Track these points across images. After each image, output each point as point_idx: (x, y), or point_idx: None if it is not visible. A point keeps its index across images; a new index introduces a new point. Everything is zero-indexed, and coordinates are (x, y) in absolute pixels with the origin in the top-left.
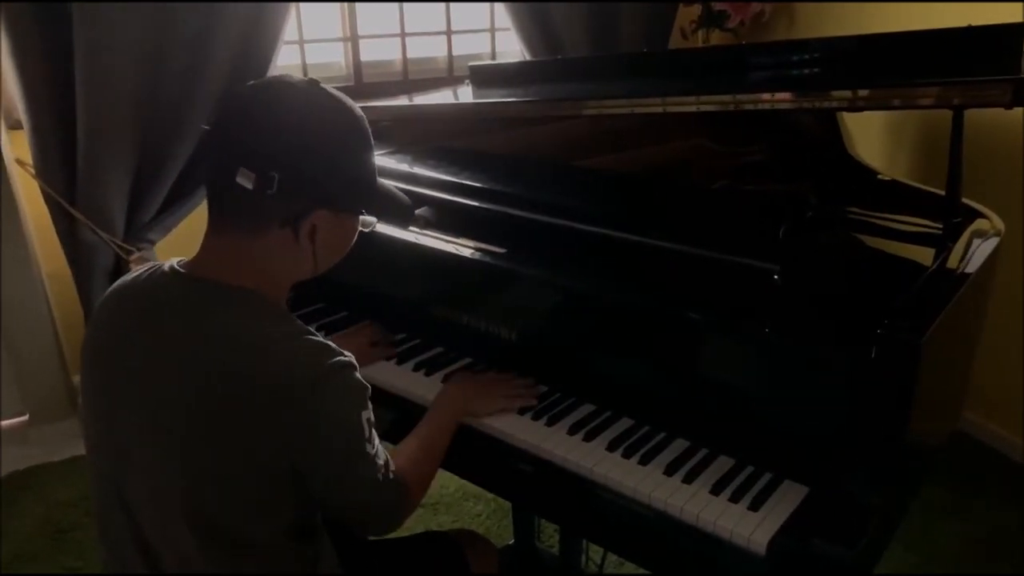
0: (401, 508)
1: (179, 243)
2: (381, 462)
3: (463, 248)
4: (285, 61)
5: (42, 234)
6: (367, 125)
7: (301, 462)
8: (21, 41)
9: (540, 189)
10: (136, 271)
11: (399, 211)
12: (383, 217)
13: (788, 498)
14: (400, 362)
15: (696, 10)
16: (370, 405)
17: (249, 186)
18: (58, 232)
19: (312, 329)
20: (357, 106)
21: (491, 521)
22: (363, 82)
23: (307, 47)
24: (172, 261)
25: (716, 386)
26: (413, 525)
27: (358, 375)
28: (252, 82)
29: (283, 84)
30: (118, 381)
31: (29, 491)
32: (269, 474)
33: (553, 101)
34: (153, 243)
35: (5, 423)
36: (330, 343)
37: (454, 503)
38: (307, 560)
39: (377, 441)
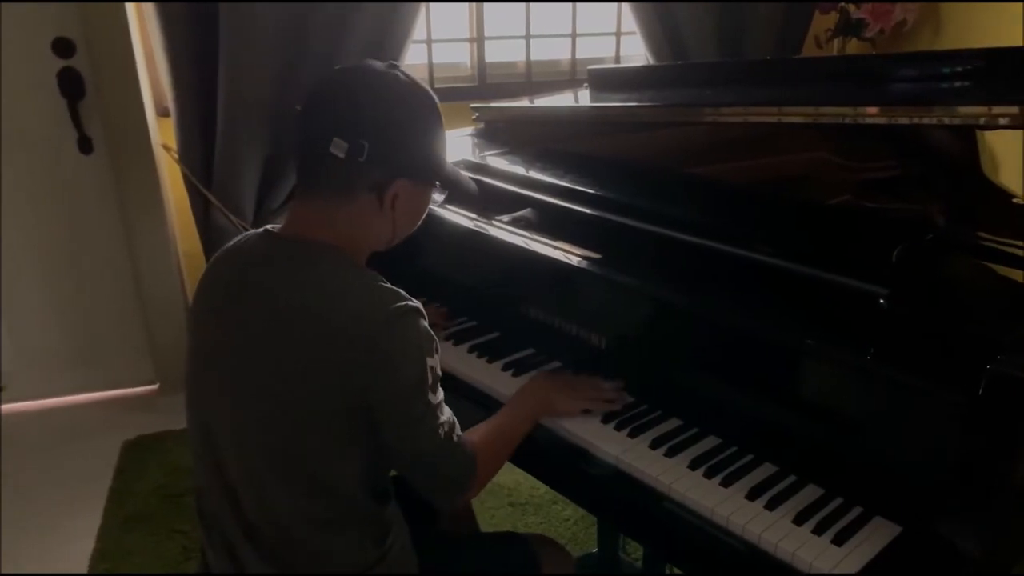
0: (465, 478)
1: None
2: (444, 419)
3: (559, 251)
4: (412, 60)
5: (180, 215)
6: (438, 106)
7: (373, 400)
8: (172, 39)
9: (643, 196)
10: (236, 239)
11: (465, 191)
12: (451, 195)
13: (877, 536)
14: (491, 360)
15: (832, 18)
16: (436, 355)
17: (341, 155)
18: (194, 214)
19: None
20: (426, 86)
21: (578, 527)
22: (487, 83)
23: (434, 47)
24: (266, 227)
25: (809, 411)
26: (500, 523)
27: (424, 322)
28: (339, 67)
29: (368, 67)
30: (213, 333)
31: (152, 455)
32: (344, 413)
33: (668, 107)
34: None
35: (139, 390)
36: (400, 290)
37: (543, 505)
38: (378, 524)
39: (441, 397)
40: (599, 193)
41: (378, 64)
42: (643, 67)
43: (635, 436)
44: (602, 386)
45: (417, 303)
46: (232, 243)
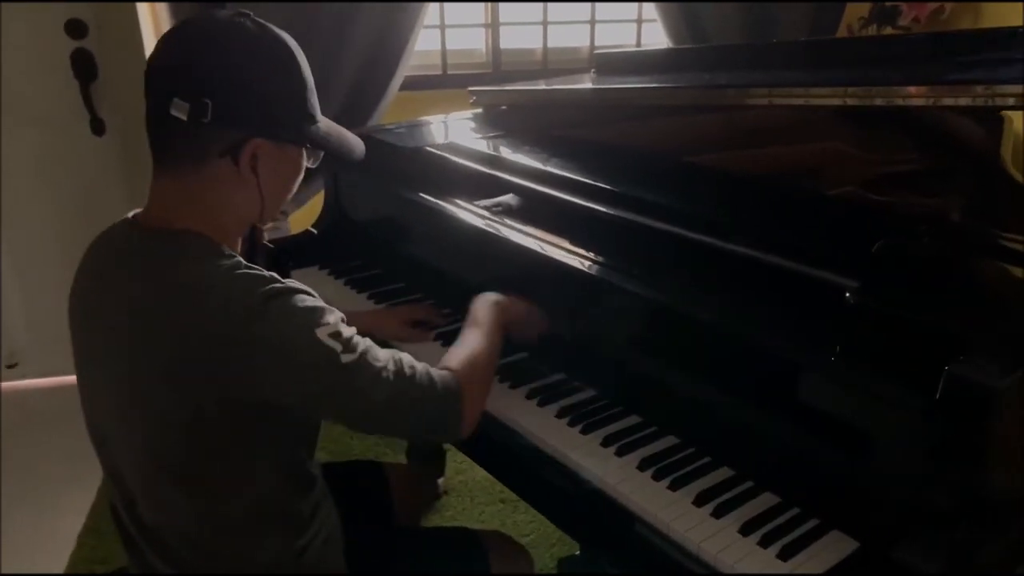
0: (450, 404)
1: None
2: (382, 363)
3: (522, 234)
4: (425, 46)
5: None
6: (300, 58)
7: (276, 396)
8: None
9: (627, 182)
10: (104, 230)
11: (347, 151)
12: (331, 155)
13: (829, 552)
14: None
15: (866, 6)
16: (329, 317)
17: (184, 116)
18: None
19: (247, 263)
20: (290, 38)
21: None
22: (501, 70)
23: (448, 32)
24: (132, 212)
25: (764, 410)
26: (489, 520)
27: (299, 297)
28: (182, 20)
29: (210, 18)
30: (84, 335)
31: None
32: (236, 415)
33: (679, 88)
34: (287, 215)
35: None
36: (267, 273)
37: None
38: (296, 519)
39: (364, 348)
40: (579, 179)
41: (223, 13)
42: (652, 50)
43: (588, 432)
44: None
45: (288, 282)
46: (99, 235)
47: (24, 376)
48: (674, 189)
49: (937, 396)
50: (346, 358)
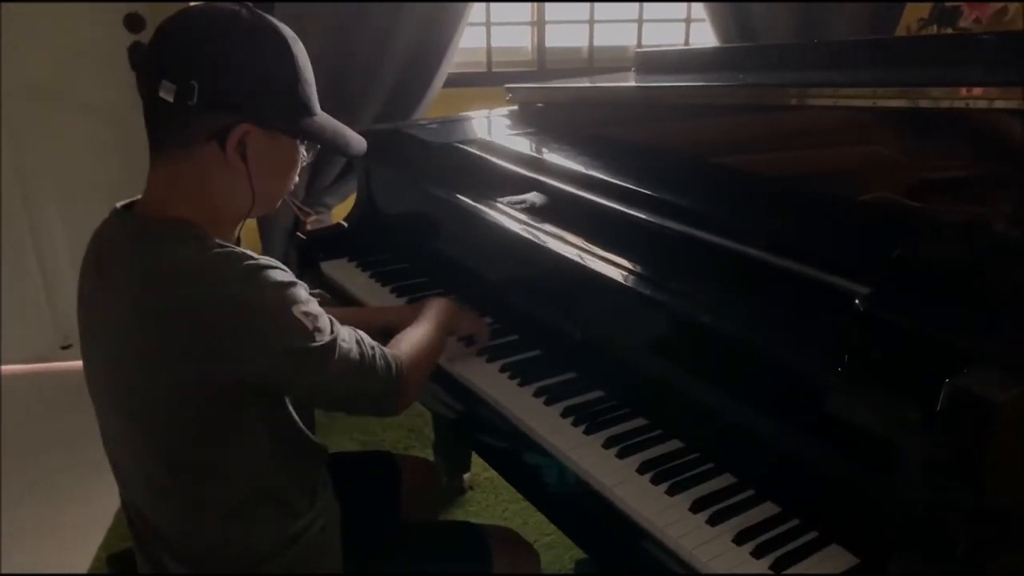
0: (396, 384)
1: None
2: (348, 344)
3: (551, 238)
4: (470, 43)
5: None
6: (297, 51)
7: (249, 370)
8: None
9: (652, 184)
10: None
11: (342, 145)
12: (327, 149)
13: (826, 567)
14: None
15: (925, 6)
16: (305, 297)
17: (170, 98)
18: None
19: (224, 242)
20: (288, 30)
21: None
22: (546, 68)
23: (493, 30)
24: (125, 200)
25: (767, 416)
26: (511, 518)
27: (277, 272)
28: (181, 8)
29: (206, 6)
30: (85, 321)
31: None
32: (222, 398)
33: (706, 87)
34: (330, 207)
35: None
36: (244, 251)
37: None
38: (289, 505)
39: (333, 327)
40: (599, 176)
41: (223, 3)
42: (693, 49)
43: (591, 433)
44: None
45: (266, 259)
46: (100, 224)
47: (78, 357)
48: (698, 191)
49: (937, 409)
50: (318, 337)
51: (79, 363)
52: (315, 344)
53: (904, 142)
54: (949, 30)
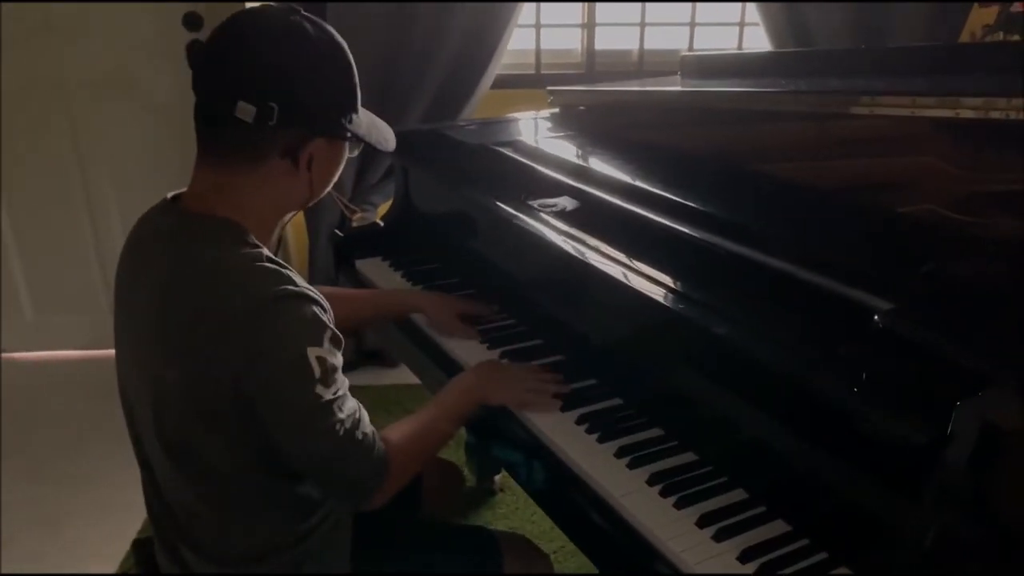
0: (371, 479)
1: None
2: (344, 415)
3: (580, 244)
4: (519, 45)
5: None
6: (348, 53)
7: (249, 391)
8: None
9: (685, 191)
10: (149, 209)
11: (383, 142)
12: (371, 146)
13: None
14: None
15: (991, 12)
16: (327, 345)
17: (249, 120)
18: None
19: (271, 255)
20: (336, 33)
21: None
22: (595, 71)
23: (543, 32)
24: (173, 192)
25: (788, 436)
26: (540, 521)
27: (311, 308)
28: (235, 15)
29: (267, 14)
30: (120, 309)
31: None
32: (221, 401)
33: (750, 93)
34: (375, 206)
35: None
36: (287, 271)
37: None
38: (296, 504)
39: (341, 391)
40: (631, 182)
41: (278, 8)
42: (740, 53)
43: (604, 441)
44: (542, 375)
45: (303, 288)
46: (145, 213)
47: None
48: (732, 200)
49: (948, 432)
50: (323, 391)
51: None
52: (311, 393)
53: (962, 153)
54: (1017, 36)
